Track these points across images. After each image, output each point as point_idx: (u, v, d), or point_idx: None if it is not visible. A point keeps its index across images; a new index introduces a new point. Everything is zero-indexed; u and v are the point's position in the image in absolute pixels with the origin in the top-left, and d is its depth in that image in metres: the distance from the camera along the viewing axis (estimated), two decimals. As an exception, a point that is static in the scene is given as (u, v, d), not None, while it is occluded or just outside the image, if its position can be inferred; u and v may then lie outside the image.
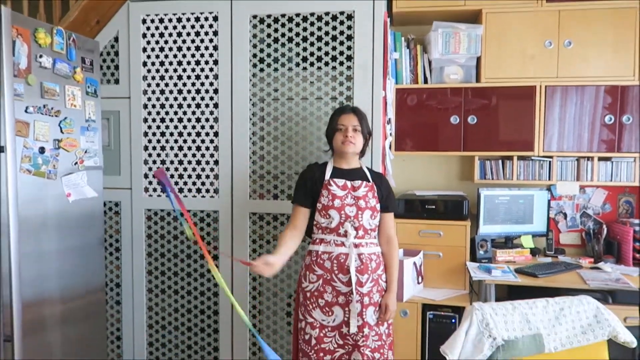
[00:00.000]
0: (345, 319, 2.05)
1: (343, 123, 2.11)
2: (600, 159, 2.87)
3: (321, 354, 2.05)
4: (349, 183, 2.10)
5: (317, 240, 2.10)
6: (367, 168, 2.22)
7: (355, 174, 2.15)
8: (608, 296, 2.58)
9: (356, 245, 2.05)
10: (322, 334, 2.06)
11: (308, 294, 2.08)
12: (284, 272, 2.64)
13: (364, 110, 2.22)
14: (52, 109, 1.96)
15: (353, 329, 2.02)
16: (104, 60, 2.75)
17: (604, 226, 2.94)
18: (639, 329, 1.76)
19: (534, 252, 2.99)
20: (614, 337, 1.38)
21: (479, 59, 2.92)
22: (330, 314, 2.05)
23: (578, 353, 1.36)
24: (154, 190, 2.73)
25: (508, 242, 3.02)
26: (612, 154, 2.81)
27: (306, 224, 2.14)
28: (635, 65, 2.75)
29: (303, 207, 2.12)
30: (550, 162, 2.92)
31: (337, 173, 2.14)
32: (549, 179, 2.93)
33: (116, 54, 2.73)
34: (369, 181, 2.14)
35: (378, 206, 2.12)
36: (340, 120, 2.13)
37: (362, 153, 2.21)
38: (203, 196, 2.68)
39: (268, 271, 1.93)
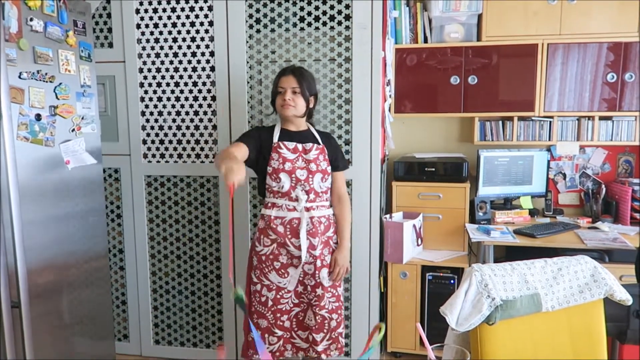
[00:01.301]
0: (300, 278, 2.08)
1: (282, 85, 2.05)
2: (601, 118, 2.85)
3: (278, 314, 2.08)
4: (299, 146, 2.06)
5: (270, 204, 2.07)
6: (316, 130, 2.17)
7: (305, 137, 2.10)
8: (605, 255, 2.62)
9: (307, 209, 2.04)
10: (278, 296, 2.08)
11: (263, 257, 2.08)
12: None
13: (363, 72, 2.17)
14: (46, 74, 1.92)
15: (292, 286, 2.06)
16: (97, 23, 2.68)
17: (603, 186, 2.96)
18: (636, 288, 1.80)
19: (532, 212, 3.01)
20: (610, 295, 1.40)
21: (480, 17, 2.85)
22: (285, 275, 2.07)
23: (575, 311, 1.38)
24: (153, 156, 2.72)
25: (507, 203, 3.04)
26: (613, 113, 2.79)
27: (243, 159, 1.95)
28: (638, 21, 2.69)
29: (245, 145, 1.99)
30: (550, 122, 2.90)
31: (286, 135, 2.08)
32: (549, 140, 2.92)
33: (109, 16, 2.66)
34: (319, 144, 2.10)
35: (329, 169, 2.10)
36: (280, 82, 2.06)
37: (309, 115, 2.14)
38: (202, 161, 2.67)
39: (239, 168, 1.68)
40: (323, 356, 2.11)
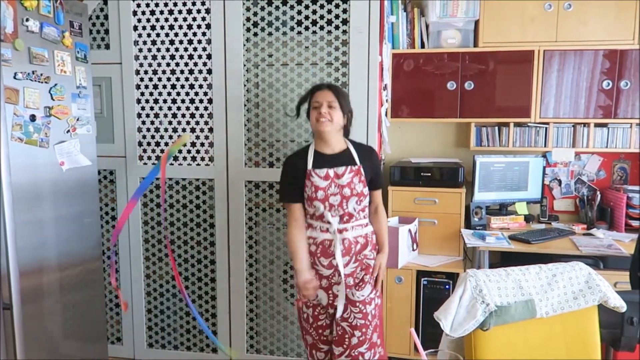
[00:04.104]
0: (330, 301, 2.06)
1: (317, 100, 1.99)
2: (596, 125, 2.86)
3: (320, 330, 2.11)
4: (331, 172, 2.00)
5: (307, 225, 2.07)
6: (355, 144, 2.09)
7: (339, 159, 2.03)
8: (600, 262, 2.62)
9: (340, 231, 2.01)
10: (315, 313, 2.09)
11: None
12: (280, 240, 2.66)
13: (360, 76, 2.18)
14: (41, 75, 1.92)
15: (339, 312, 2.03)
16: (94, 24, 2.67)
17: (598, 193, 2.96)
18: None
19: (527, 218, 3.02)
20: (605, 302, 1.40)
21: (477, 23, 2.87)
22: (315, 296, 2.07)
23: (569, 317, 1.38)
24: (149, 158, 2.71)
25: (502, 209, 3.04)
26: (608, 120, 2.80)
27: (303, 213, 2.08)
28: (635, 29, 2.71)
29: (295, 203, 2.06)
30: (546, 128, 2.91)
31: (319, 161, 2.02)
32: (545, 146, 2.93)
33: (106, 17, 2.65)
34: (354, 164, 2.02)
35: (365, 190, 2.03)
36: (315, 97, 2.01)
37: (346, 132, 2.08)
38: (198, 164, 2.67)
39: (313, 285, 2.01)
40: None
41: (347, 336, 2.03)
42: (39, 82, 1.91)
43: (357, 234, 2.04)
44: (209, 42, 2.57)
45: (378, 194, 2.16)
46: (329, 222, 2.00)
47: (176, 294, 2.81)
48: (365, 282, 2.04)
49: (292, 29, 2.52)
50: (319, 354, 2.13)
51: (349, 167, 2.01)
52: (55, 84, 1.99)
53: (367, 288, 2.04)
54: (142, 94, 2.67)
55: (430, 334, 2.67)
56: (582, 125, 2.87)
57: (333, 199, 1.99)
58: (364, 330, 2.03)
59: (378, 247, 2.14)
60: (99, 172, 2.73)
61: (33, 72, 1.88)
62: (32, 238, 1.94)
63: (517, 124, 2.93)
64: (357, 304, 2.03)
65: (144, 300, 2.83)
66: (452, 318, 1.31)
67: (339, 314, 2.03)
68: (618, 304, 1.40)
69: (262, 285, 2.73)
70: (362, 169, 2.02)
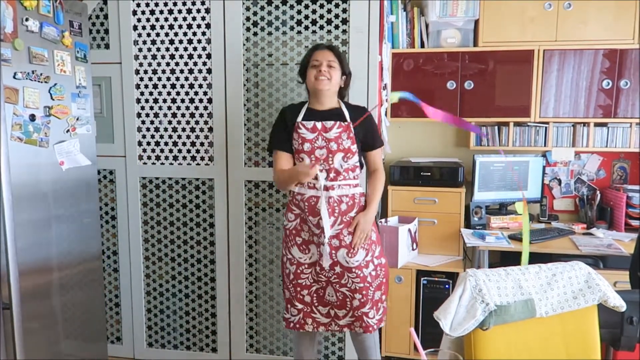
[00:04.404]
0: (319, 258, 2.09)
1: (317, 59, 2.04)
2: (596, 124, 2.86)
3: (298, 289, 2.13)
4: (319, 124, 2.04)
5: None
6: (349, 106, 2.13)
7: (329, 115, 2.07)
8: (599, 261, 2.62)
9: (327, 188, 2.02)
10: (298, 271, 2.12)
11: (287, 232, 2.14)
12: (280, 240, 2.66)
13: (360, 76, 2.19)
14: (41, 74, 1.91)
15: (325, 264, 2.06)
16: (93, 24, 2.67)
17: (598, 192, 2.96)
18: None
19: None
20: (604, 301, 1.40)
21: (476, 22, 2.86)
22: (307, 251, 2.11)
23: (569, 317, 1.38)
24: (148, 158, 2.71)
25: (502, 208, 3.04)
26: (608, 119, 2.80)
27: (292, 164, 2.12)
28: (635, 28, 2.71)
29: (282, 151, 2.10)
30: (546, 128, 2.91)
31: (310, 114, 2.07)
32: (545, 145, 2.93)
33: (105, 17, 2.65)
34: (344, 121, 2.05)
35: (354, 147, 2.04)
36: (315, 55, 2.05)
37: (341, 95, 2.13)
38: (198, 164, 2.67)
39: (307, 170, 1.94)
40: (345, 329, 2.14)
41: (348, 300, 2.09)
42: (38, 81, 1.91)
43: (343, 192, 2.05)
44: (208, 41, 2.56)
45: (376, 155, 2.17)
46: (316, 178, 2.01)
47: (176, 293, 2.81)
48: (356, 249, 2.06)
49: (291, 28, 2.52)
50: (292, 310, 2.16)
51: (338, 122, 2.05)
52: (55, 84, 1.99)
53: (360, 253, 2.06)
54: (142, 93, 2.67)
55: (430, 333, 2.67)
56: (582, 124, 2.87)
57: (319, 152, 2.03)
58: (364, 292, 2.07)
59: (366, 205, 2.11)
60: (99, 172, 2.73)
61: (33, 72, 1.88)
62: (31, 237, 1.94)
63: (516, 124, 2.93)
64: (353, 269, 2.05)
65: (144, 300, 2.83)
66: (451, 318, 1.30)
67: (325, 265, 2.06)
68: (618, 303, 1.40)
69: (262, 285, 2.73)
70: (351, 126, 2.05)
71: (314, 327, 2.16)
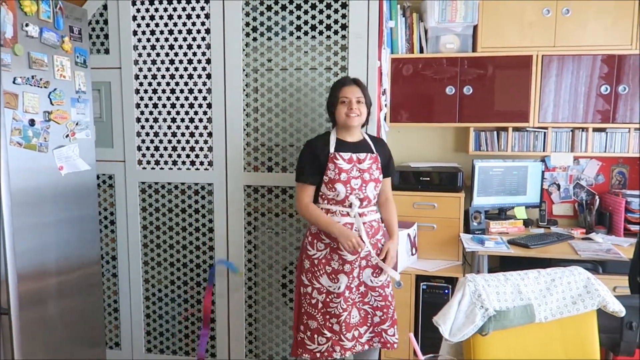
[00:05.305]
0: (348, 284, 2.14)
1: (346, 95, 2.12)
2: (594, 129, 2.86)
3: (327, 316, 2.16)
4: (354, 156, 2.14)
5: (323, 211, 2.16)
6: (370, 136, 2.26)
7: (360, 147, 2.18)
8: (598, 266, 2.62)
9: (360, 215, 2.13)
10: (328, 299, 2.16)
11: (316, 261, 2.17)
12: (279, 245, 2.66)
13: (358, 77, 2.21)
14: (40, 79, 1.92)
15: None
16: (93, 29, 2.68)
17: (597, 197, 2.97)
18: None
19: (526, 223, 3.01)
20: (603, 306, 1.40)
21: (475, 28, 2.88)
22: (336, 280, 2.15)
23: (568, 322, 1.38)
24: (148, 162, 2.71)
25: (502, 213, 3.04)
26: (606, 124, 2.80)
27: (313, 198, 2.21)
28: (633, 34, 2.72)
29: (309, 185, 2.17)
30: (545, 133, 2.91)
31: (342, 146, 2.16)
32: (544, 150, 2.93)
33: (105, 22, 2.66)
34: (372, 152, 2.19)
35: (381, 177, 2.19)
36: (343, 92, 2.13)
37: (364, 125, 2.25)
38: (197, 169, 2.67)
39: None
40: (366, 346, 2.20)
41: (369, 316, 2.20)
42: (38, 87, 1.91)
43: (372, 218, 2.19)
44: (208, 46, 2.57)
45: (389, 182, 2.30)
46: (349, 206, 2.12)
47: (175, 298, 2.81)
48: (381, 269, 2.17)
49: (291, 34, 2.53)
50: (320, 339, 2.17)
51: (369, 154, 2.18)
52: (55, 89, 1.99)
53: (383, 274, 2.18)
54: (142, 98, 2.68)
55: (430, 338, 2.67)
56: (581, 129, 2.88)
57: (354, 182, 2.13)
58: (385, 310, 2.19)
59: (389, 234, 2.26)
60: (98, 177, 2.73)
61: (32, 77, 1.89)
62: (30, 242, 1.94)
63: (515, 129, 2.94)
64: (377, 288, 2.18)
65: (143, 305, 2.82)
66: (450, 323, 1.30)
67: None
68: (617, 308, 1.40)
69: (261, 290, 2.72)
70: (379, 157, 2.20)
71: (341, 354, 2.19)
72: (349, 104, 2.11)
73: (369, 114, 2.21)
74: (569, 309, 1.38)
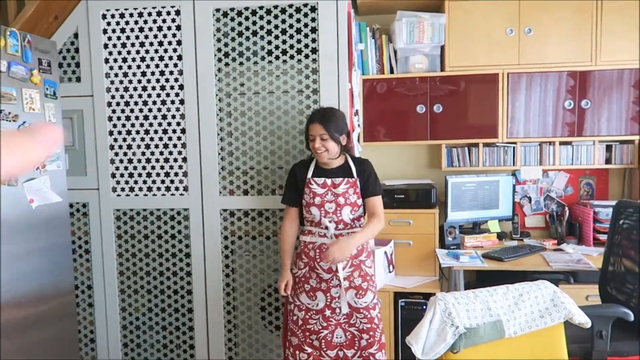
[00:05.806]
0: (328, 302, 2.19)
1: (311, 133, 2.17)
2: (561, 143, 2.96)
3: (307, 333, 2.22)
4: (328, 181, 2.20)
5: (306, 232, 2.25)
6: (354, 159, 2.26)
7: (338, 172, 2.21)
8: (570, 277, 2.68)
9: (337, 236, 2.17)
10: (307, 316, 2.21)
11: (297, 279, 2.25)
12: (257, 268, 2.66)
13: (331, 103, 2.25)
14: (9, 113, 1.91)
15: (344, 309, 2.17)
16: (64, 58, 2.68)
17: (566, 208, 3.05)
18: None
19: (500, 236, 3.08)
20: (570, 319, 1.44)
21: (443, 48, 2.96)
22: (314, 298, 2.21)
23: (536, 336, 1.42)
24: (122, 189, 2.70)
25: (476, 227, 3.10)
26: (572, 138, 2.90)
27: (298, 216, 2.30)
28: (592, 51, 2.83)
29: (291, 207, 2.29)
30: (514, 147, 3.00)
31: (319, 171, 2.23)
32: (514, 164, 3.01)
33: (76, 50, 2.66)
34: (352, 177, 2.20)
35: (359, 201, 2.21)
36: (310, 129, 2.18)
37: (345, 150, 2.22)
38: (172, 194, 2.66)
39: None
40: None
41: (356, 339, 2.20)
42: (6, 120, 1.91)
43: None
44: (180, 72, 2.59)
45: (375, 201, 2.22)
46: (326, 227, 2.17)
47: (152, 326, 2.77)
48: (365, 290, 2.18)
49: (262, 58, 2.57)
50: (302, 355, 2.23)
51: (347, 179, 2.20)
52: (24, 122, 1.99)
53: (368, 295, 2.19)
54: (115, 125, 2.67)
55: (410, 355, 2.68)
56: (548, 143, 2.97)
57: (328, 206, 2.19)
58: (371, 333, 2.19)
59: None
60: (72, 205, 2.70)
61: (1, 111, 1.88)
62: (3, 273, 1.91)
63: (486, 144, 3.02)
64: (361, 310, 2.18)
65: (120, 334, 2.78)
66: (422, 342, 1.33)
67: (344, 311, 2.17)
68: (583, 320, 1.45)
69: (240, 314, 2.71)
70: (358, 182, 2.20)
71: None
72: (313, 141, 2.15)
73: (347, 142, 2.22)
74: (537, 322, 1.42)
